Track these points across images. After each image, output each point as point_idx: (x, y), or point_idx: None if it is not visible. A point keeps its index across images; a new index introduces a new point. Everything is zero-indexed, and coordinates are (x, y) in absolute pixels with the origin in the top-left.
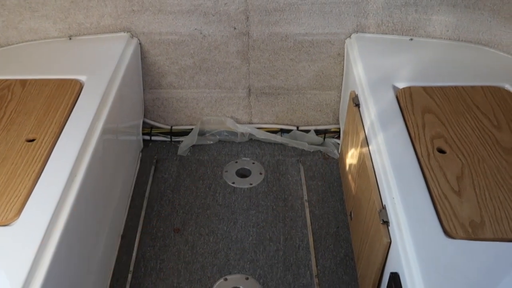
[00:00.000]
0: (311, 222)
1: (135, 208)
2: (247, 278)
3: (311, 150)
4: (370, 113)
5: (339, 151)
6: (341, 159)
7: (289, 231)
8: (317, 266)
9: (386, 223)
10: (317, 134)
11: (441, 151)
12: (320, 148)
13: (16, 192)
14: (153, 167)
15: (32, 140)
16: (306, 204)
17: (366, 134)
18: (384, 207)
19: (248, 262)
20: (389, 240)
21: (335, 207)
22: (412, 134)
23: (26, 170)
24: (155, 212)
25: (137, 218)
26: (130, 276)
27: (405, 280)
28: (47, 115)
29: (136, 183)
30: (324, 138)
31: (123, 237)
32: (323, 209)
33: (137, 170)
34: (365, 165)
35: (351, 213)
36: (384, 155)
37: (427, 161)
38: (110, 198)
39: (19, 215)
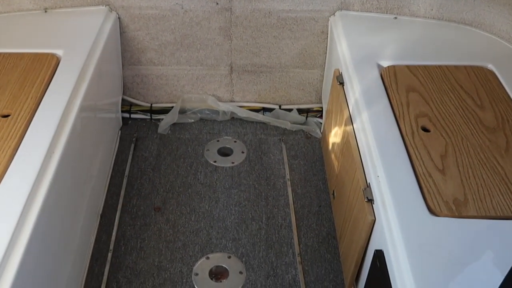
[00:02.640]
0: (293, 201)
1: (114, 187)
2: (229, 257)
3: (294, 129)
4: (354, 91)
5: (322, 130)
6: (323, 138)
7: (271, 210)
8: (299, 245)
9: (370, 201)
10: (299, 113)
11: (425, 129)
12: (303, 127)
13: None
14: (132, 145)
15: (7, 116)
16: (289, 183)
17: (350, 112)
18: (368, 185)
19: (230, 241)
20: (374, 218)
21: (317, 186)
22: (397, 113)
23: (1, 146)
24: (135, 190)
25: (117, 197)
26: (110, 255)
27: (390, 257)
28: (22, 90)
29: (116, 161)
30: (307, 117)
31: (102, 216)
32: (305, 188)
33: (116, 148)
34: (349, 143)
35: (333, 192)
36: (368, 133)
37: (411, 140)
38: (89, 176)
39: None
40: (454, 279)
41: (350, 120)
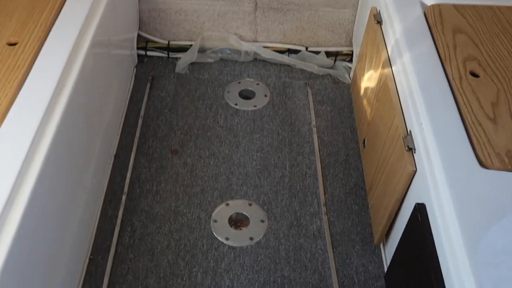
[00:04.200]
0: (319, 149)
1: (129, 127)
2: (250, 204)
3: (320, 73)
4: (394, 31)
5: (351, 76)
6: (354, 84)
7: (295, 157)
8: (325, 195)
9: (411, 150)
10: (327, 56)
11: (474, 74)
12: (330, 71)
13: None
14: (148, 84)
15: (14, 44)
16: (314, 129)
17: (389, 54)
18: (409, 133)
19: (252, 188)
20: (415, 168)
21: (345, 134)
22: (442, 55)
23: (7, 77)
24: (151, 132)
25: (131, 137)
26: (124, 197)
27: (434, 210)
28: (31, 17)
29: (130, 100)
30: (335, 61)
31: (116, 157)
32: (332, 135)
33: (131, 87)
34: (387, 87)
35: (364, 140)
36: (410, 76)
37: (458, 85)
38: (102, 114)
39: (0, 125)
40: (505, 237)
41: (389, 62)
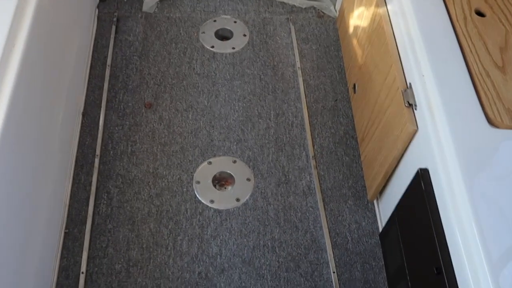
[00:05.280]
0: (305, 94)
1: (96, 79)
2: (234, 161)
3: (303, 6)
4: None
5: (338, 8)
6: (341, 19)
7: (280, 106)
8: (313, 146)
9: (411, 106)
10: None
11: (480, 13)
12: (314, 3)
13: None
14: (113, 27)
15: None
16: (299, 72)
17: None
18: (409, 86)
19: (235, 143)
20: (416, 128)
21: (333, 76)
22: None
23: None
24: (120, 83)
25: (99, 91)
26: (97, 161)
27: (439, 177)
28: None
29: (95, 47)
30: None
31: (84, 115)
32: (318, 78)
33: (94, 31)
34: (381, 30)
35: (354, 86)
36: (409, 18)
37: (463, 27)
38: (64, 65)
39: None
40: None
41: None
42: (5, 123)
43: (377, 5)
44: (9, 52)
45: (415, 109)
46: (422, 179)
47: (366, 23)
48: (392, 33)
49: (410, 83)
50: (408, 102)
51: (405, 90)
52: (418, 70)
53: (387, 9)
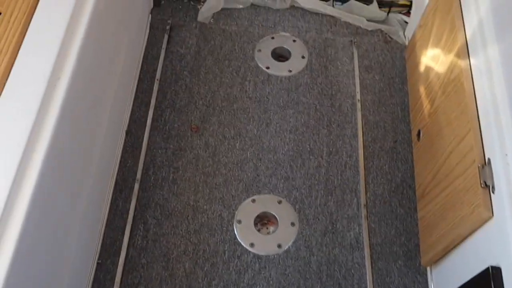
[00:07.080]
0: (362, 132)
1: (143, 94)
2: (279, 202)
3: (369, 29)
4: (479, 5)
5: (410, 38)
6: (410, 50)
7: (334, 142)
8: (366, 193)
9: (488, 187)
10: (380, 7)
11: None
12: (381, 26)
13: None
14: (166, 37)
15: None
16: (358, 105)
17: (468, 39)
18: (487, 163)
19: (282, 180)
20: (491, 215)
21: (395, 112)
22: None
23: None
24: (168, 101)
25: (146, 107)
26: (136, 186)
27: None
28: None
29: (145, 58)
30: (388, 13)
31: (128, 133)
32: (379, 114)
33: (146, 40)
34: (460, 85)
35: (419, 132)
36: (496, 82)
37: None
38: (112, 75)
39: None
40: None
41: (466, 51)
42: (52, 138)
43: (458, 55)
44: (61, 65)
45: (493, 192)
46: (492, 279)
47: (442, 69)
48: (473, 93)
49: (489, 159)
50: (485, 183)
51: (483, 167)
52: (502, 147)
53: (469, 63)
